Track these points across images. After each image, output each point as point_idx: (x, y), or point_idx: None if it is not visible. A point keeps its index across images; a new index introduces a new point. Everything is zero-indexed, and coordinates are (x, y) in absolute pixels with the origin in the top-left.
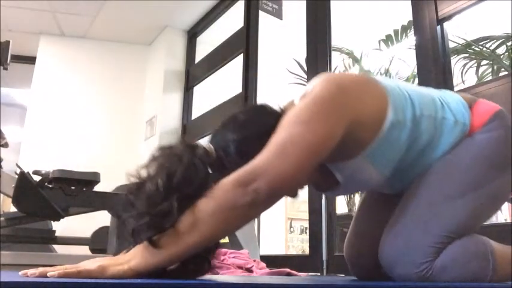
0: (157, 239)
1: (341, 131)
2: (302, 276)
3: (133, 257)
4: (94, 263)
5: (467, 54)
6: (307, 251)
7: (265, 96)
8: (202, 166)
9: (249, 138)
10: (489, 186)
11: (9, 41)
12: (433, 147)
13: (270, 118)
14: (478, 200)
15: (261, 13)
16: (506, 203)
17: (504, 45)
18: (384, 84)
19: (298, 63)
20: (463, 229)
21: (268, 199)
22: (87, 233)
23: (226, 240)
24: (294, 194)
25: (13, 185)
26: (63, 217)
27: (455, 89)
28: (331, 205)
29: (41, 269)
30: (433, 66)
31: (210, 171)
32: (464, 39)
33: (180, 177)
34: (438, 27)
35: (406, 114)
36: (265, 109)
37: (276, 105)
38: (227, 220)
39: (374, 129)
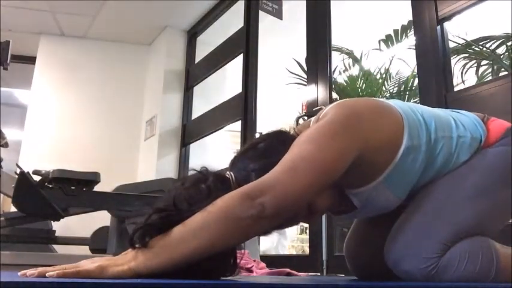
0: (156, 241)
1: (352, 154)
2: (302, 276)
3: (133, 258)
4: (93, 263)
5: (467, 54)
6: (307, 251)
7: (265, 96)
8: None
9: (269, 167)
10: (498, 194)
11: (9, 41)
12: (449, 165)
13: (289, 145)
14: (487, 204)
15: (261, 13)
16: None
17: (504, 45)
18: (399, 108)
19: (298, 63)
20: (471, 231)
21: (273, 214)
22: (87, 233)
23: None
24: (294, 221)
25: (13, 185)
26: (63, 217)
27: (455, 89)
28: None
29: (40, 269)
30: (433, 66)
31: None
32: (464, 39)
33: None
34: (438, 27)
35: (421, 138)
36: (283, 135)
37: (291, 129)
38: (229, 231)
39: (390, 155)
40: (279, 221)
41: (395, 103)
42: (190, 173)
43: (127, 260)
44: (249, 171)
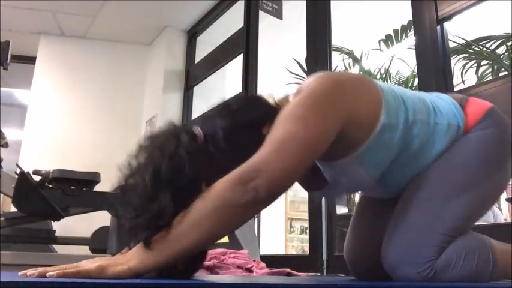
0: (155, 239)
1: (337, 127)
2: (302, 276)
3: (132, 258)
4: (93, 263)
5: (467, 54)
6: (307, 251)
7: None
8: (188, 156)
9: (238, 127)
10: (484, 185)
11: (9, 41)
12: (426, 151)
13: (262, 110)
14: (474, 198)
15: (261, 13)
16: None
17: (504, 45)
18: (379, 86)
19: (298, 63)
20: (463, 227)
21: (268, 197)
22: (87, 233)
23: (226, 240)
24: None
25: (13, 185)
26: (63, 217)
27: (455, 89)
28: (331, 205)
29: (40, 269)
30: (433, 66)
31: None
32: (464, 39)
33: (166, 171)
34: (438, 27)
35: (399, 118)
36: (259, 101)
37: (271, 98)
38: (227, 219)
39: (366, 130)
40: (273, 201)
41: (376, 81)
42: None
43: (126, 260)
44: (217, 129)
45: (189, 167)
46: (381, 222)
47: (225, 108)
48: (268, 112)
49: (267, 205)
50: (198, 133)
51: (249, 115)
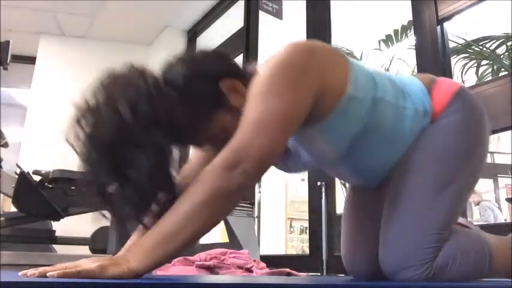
0: (150, 236)
1: (312, 96)
2: (302, 276)
3: (131, 258)
4: (94, 263)
5: (467, 54)
6: (307, 251)
7: None
8: (158, 96)
9: (196, 75)
10: (461, 175)
11: (9, 41)
12: (394, 135)
13: (224, 65)
14: (455, 190)
15: (261, 13)
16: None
17: (504, 45)
18: (349, 60)
19: None
20: (451, 220)
21: (256, 177)
22: (87, 233)
23: (226, 240)
24: None
25: (13, 185)
26: (63, 217)
27: None
28: (331, 205)
29: (40, 269)
30: (433, 66)
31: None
32: (464, 39)
33: (144, 107)
34: (438, 27)
35: (366, 93)
36: (224, 56)
37: (239, 63)
38: (220, 207)
39: (333, 101)
40: (261, 179)
41: (346, 56)
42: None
43: (126, 261)
44: (178, 75)
45: (162, 107)
46: (372, 221)
47: (187, 56)
48: (229, 69)
49: (256, 183)
50: (158, 76)
51: (208, 66)
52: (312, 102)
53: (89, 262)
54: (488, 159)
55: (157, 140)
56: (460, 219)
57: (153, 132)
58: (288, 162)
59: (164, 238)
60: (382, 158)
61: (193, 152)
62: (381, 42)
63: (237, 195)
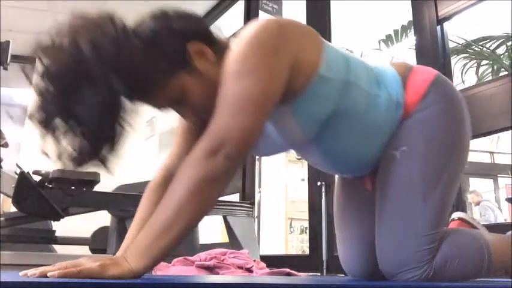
0: (143, 237)
1: (287, 71)
2: (302, 276)
3: (130, 258)
4: (94, 262)
5: (467, 54)
6: (307, 251)
7: None
8: (125, 40)
9: (164, 31)
10: (448, 169)
11: (9, 41)
12: (366, 124)
13: (198, 29)
14: (443, 186)
15: (261, 13)
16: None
17: (504, 45)
18: (324, 40)
19: None
20: (443, 217)
21: (239, 160)
22: (87, 233)
23: (226, 240)
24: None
25: (13, 185)
26: (63, 217)
27: None
28: (331, 205)
29: (41, 269)
30: (433, 66)
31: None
32: (464, 39)
33: (112, 50)
34: (438, 27)
35: (338, 74)
36: (199, 21)
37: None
38: (208, 194)
39: (304, 80)
40: (245, 159)
41: (321, 37)
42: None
43: (125, 261)
44: (146, 27)
45: (125, 54)
46: (365, 221)
47: (161, 12)
48: (201, 33)
49: (240, 165)
50: (128, 26)
51: (179, 24)
52: (286, 79)
53: (89, 261)
54: (488, 159)
55: (113, 85)
56: (469, 219)
57: (110, 75)
58: (259, 145)
59: (158, 235)
60: (355, 146)
61: (176, 139)
62: (381, 42)
63: (223, 181)
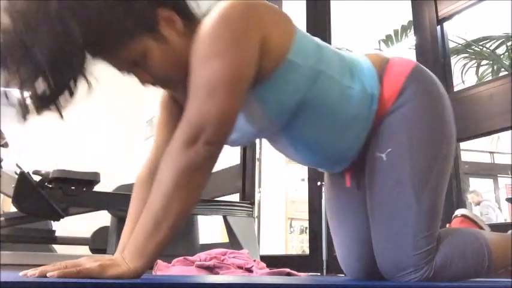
0: (136, 237)
1: (258, 49)
2: (302, 276)
3: (128, 258)
4: (94, 262)
5: (467, 54)
6: (307, 251)
7: None
8: None
9: None
10: (435, 166)
11: None
12: (338, 115)
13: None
14: (433, 184)
15: None
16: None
17: (504, 45)
18: (296, 26)
19: None
20: (437, 215)
21: (220, 144)
22: (87, 233)
23: (226, 240)
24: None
25: (13, 185)
26: (63, 217)
27: (456, 89)
28: None
29: (40, 269)
30: (433, 66)
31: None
32: (464, 39)
33: None
34: (438, 27)
35: (308, 62)
36: None
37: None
38: (194, 183)
39: (272, 65)
40: (225, 142)
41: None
42: None
43: (124, 261)
44: None
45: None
46: (357, 221)
47: None
48: (175, 2)
49: (221, 149)
50: None
51: None
52: (257, 59)
53: (89, 261)
54: (488, 159)
55: (73, 32)
56: (472, 216)
57: (72, 22)
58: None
59: (150, 233)
60: (325, 138)
61: (157, 130)
62: (381, 42)
63: (206, 168)
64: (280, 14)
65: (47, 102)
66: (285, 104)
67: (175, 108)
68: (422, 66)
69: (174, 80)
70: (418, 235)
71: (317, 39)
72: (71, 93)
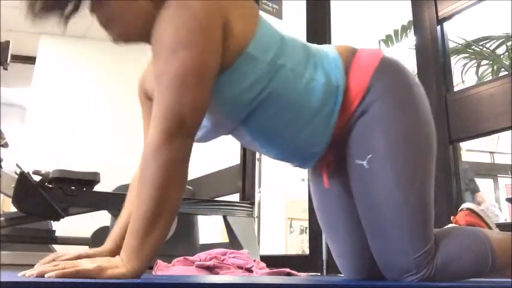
0: (130, 238)
1: (221, 32)
2: (302, 276)
3: (125, 259)
4: (92, 263)
5: (467, 54)
6: (307, 251)
7: None
8: None
9: None
10: (418, 164)
11: (9, 41)
12: (300, 108)
13: None
14: (420, 183)
15: (261, 13)
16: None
17: (504, 45)
18: (262, 18)
19: None
20: (431, 215)
21: (194, 133)
22: (87, 233)
23: (226, 240)
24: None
25: (13, 185)
26: (63, 217)
27: (456, 89)
28: None
29: (39, 269)
30: (433, 66)
31: None
32: (464, 39)
33: None
34: (438, 27)
35: (268, 55)
36: None
37: None
38: (182, 175)
39: (231, 56)
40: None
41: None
42: None
43: (122, 263)
44: None
45: None
46: (347, 222)
47: None
48: None
49: (194, 137)
50: None
51: None
52: (221, 45)
53: (87, 262)
54: (488, 159)
55: None
56: (479, 210)
57: None
58: None
59: (146, 231)
60: (289, 132)
61: (145, 128)
62: (381, 42)
63: (189, 157)
64: (244, 4)
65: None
66: (241, 99)
67: (148, 102)
68: (390, 57)
69: (135, 39)
70: (415, 237)
71: (283, 32)
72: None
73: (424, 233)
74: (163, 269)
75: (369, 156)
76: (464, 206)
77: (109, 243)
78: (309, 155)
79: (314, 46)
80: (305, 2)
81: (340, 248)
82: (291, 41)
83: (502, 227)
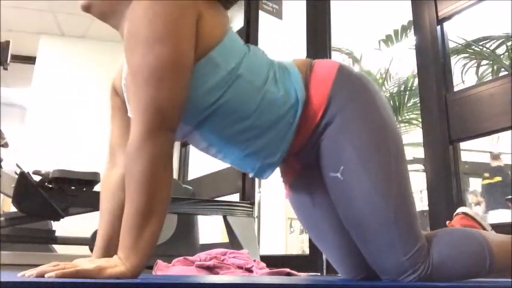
0: (125, 238)
1: (194, 24)
2: (302, 276)
3: (123, 259)
4: (91, 263)
5: (467, 54)
6: (307, 251)
7: None
8: None
9: None
10: (391, 164)
11: (9, 41)
12: (257, 121)
13: None
14: (397, 189)
15: (261, 13)
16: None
17: (504, 45)
18: (231, 28)
19: None
20: (413, 212)
21: (175, 128)
22: (87, 233)
23: (226, 240)
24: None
25: (13, 185)
26: (63, 217)
27: (456, 89)
28: None
29: (38, 269)
30: (433, 66)
31: None
32: (464, 39)
33: None
34: (438, 27)
35: (229, 63)
36: None
37: None
38: (170, 169)
39: (197, 53)
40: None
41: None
42: None
43: (120, 262)
44: None
45: None
46: (331, 228)
47: None
48: None
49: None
50: None
51: None
52: (195, 40)
53: (87, 262)
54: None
55: None
56: (473, 214)
57: None
58: None
59: (138, 228)
60: (243, 143)
61: (112, 121)
62: (381, 42)
63: (172, 151)
64: (219, 8)
65: None
66: (197, 103)
67: (118, 100)
68: (347, 66)
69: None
70: (403, 239)
71: (249, 46)
72: None
73: (411, 232)
74: (163, 269)
75: (342, 168)
76: (459, 210)
77: (95, 256)
78: (264, 166)
79: (276, 60)
80: (305, 2)
81: (332, 257)
82: (254, 56)
83: (502, 227)
